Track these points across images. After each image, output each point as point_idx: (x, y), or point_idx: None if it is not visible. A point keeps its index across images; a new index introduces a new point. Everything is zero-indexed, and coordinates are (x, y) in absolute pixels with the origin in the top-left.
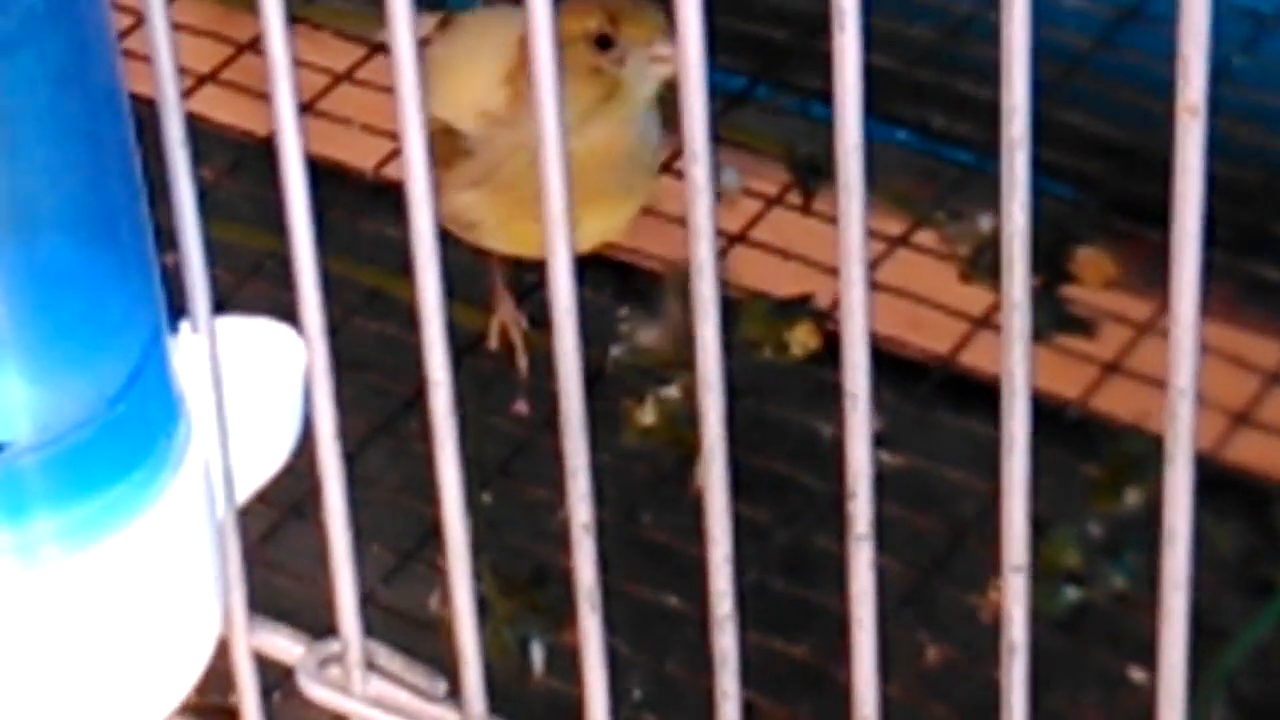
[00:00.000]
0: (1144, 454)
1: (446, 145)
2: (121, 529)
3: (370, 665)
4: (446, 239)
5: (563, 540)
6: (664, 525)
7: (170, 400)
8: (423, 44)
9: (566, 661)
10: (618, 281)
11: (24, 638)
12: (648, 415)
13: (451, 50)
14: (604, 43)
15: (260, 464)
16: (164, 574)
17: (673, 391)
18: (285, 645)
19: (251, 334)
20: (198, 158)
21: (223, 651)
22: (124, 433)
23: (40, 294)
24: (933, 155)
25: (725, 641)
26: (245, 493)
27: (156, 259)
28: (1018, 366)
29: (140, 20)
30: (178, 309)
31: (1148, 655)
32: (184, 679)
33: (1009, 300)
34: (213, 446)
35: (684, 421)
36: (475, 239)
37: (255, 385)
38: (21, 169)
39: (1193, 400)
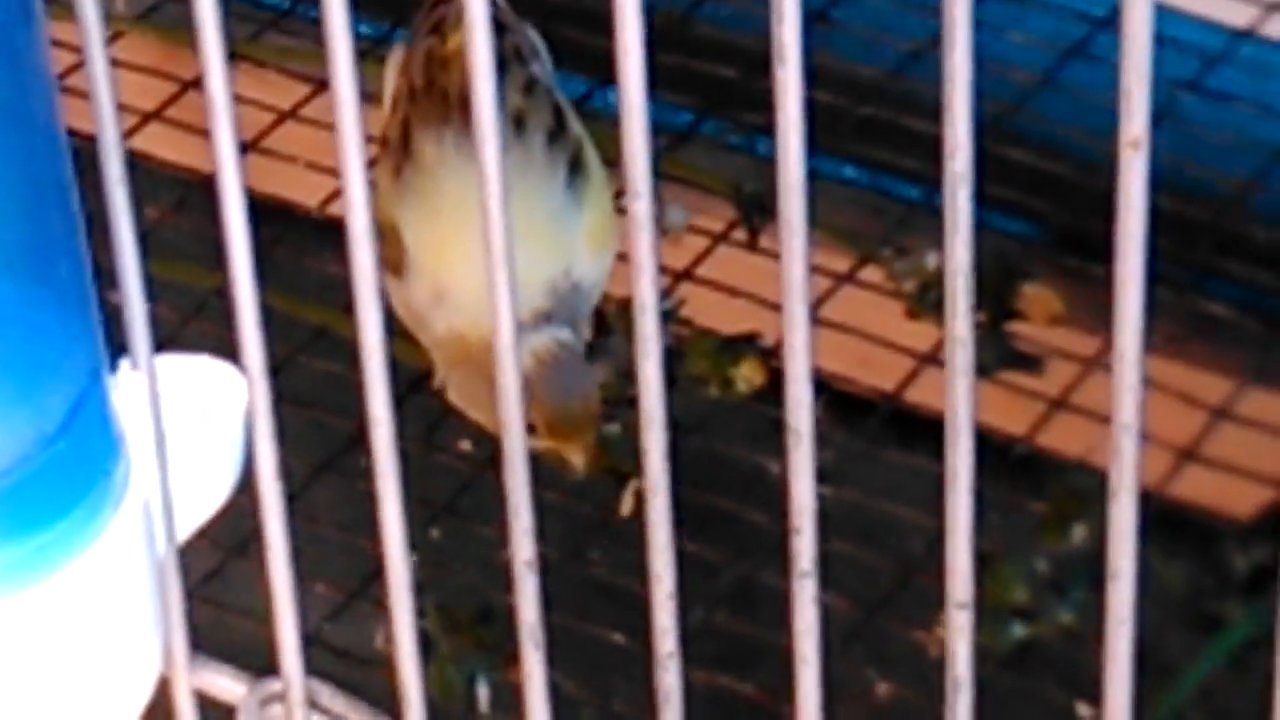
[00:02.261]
0: (1090, 490)
1: (396, 248)
2: (61, 567)
3: (313, 704)
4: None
5: (509, 578)
6: (610, 562)
7: (110, 438)
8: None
9: (512, 699)
10: None
11: None
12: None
13: None
14: None
15: (201, 502)
16: (104, 612)
17: (615, 429)
18: (227, 684)
19: (192, 371)
20: (143, 195)
21: (164, 690)
22: (63, 471)
23: None
24: (879, 191)
25: (668, 679)
26: (186, 531)
27: (96, 297)
28: (962, 402)
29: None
30: (121, 347)
31: (1095, 691)
32: (125, 718)
33: (952, 335)
34: (153, 484)
35: (620, 455)
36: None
37: (196, 423)
38: None
39: (1136, 437)
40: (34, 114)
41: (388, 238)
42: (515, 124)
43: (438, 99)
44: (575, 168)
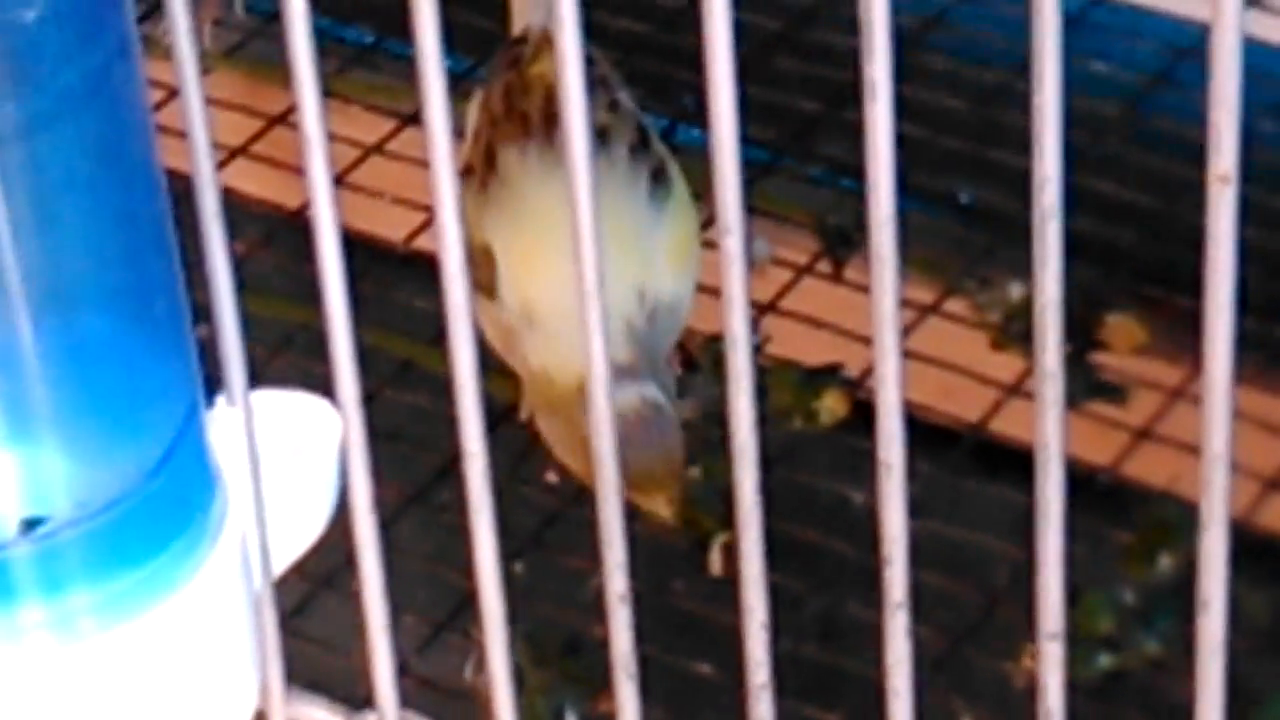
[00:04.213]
0: (1176, 519)
1: (487, 270)
2: (159, 603)
3: None
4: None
5: (596, 610)
6: (696, 595)
7: (207, 474)
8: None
9: None
10: None
11: (61, 713)
12: None
13: None
14: None
15: (296, 536)
16: (201, 647)
17: (694, 473)
18: (322, 717)
19: (287, 406)
20: (229, 231)
21: None
22: (161, 507)
23: (77, 369)
24: (962, 223)
25: (761, 710)
26: (282, 565)
27: (192, 332)
28: (1052, 438)
29: (172, 94)
30: (212, 382)
31: None
32: None
33: (1042, 370)
34: (249, 519)
35: (703, 504)
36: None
37: (291, 457)
38: (59, 244)
39: (1227, 466)
40: (131, 149)
41: (477, 259)
42: (600, 137)
43: (518, 121)
44: (658, 180)
